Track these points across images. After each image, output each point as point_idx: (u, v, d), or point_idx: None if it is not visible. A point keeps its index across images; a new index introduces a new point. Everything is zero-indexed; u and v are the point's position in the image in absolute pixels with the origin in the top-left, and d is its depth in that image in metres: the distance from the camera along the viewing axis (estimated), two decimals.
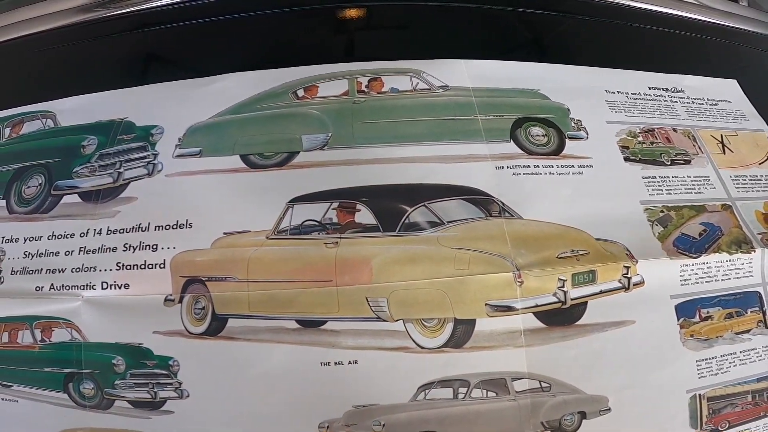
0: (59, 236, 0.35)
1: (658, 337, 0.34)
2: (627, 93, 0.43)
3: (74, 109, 0.41)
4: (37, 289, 0.33)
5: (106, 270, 0.33)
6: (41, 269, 0.34)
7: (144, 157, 0.36)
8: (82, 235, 0.34)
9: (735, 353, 0.36)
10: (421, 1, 0.50)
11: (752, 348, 0.36)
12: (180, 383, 0.31)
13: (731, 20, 0.58)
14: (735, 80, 0.49)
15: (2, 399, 0.34)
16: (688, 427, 0.35)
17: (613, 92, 0.43)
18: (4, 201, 0.38)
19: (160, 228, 0.34)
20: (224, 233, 0.33)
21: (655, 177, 0.39)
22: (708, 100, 0.46)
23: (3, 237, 0.36)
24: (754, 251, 0.37)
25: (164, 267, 0.33)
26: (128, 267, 0.33)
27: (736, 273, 0.36)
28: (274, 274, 0.33)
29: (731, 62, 0.55)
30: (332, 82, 0.39)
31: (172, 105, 0.39)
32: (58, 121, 0.41)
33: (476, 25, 0.50)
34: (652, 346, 0.34)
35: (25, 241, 0.35)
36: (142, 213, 0.34)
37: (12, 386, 0.34)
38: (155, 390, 0.31)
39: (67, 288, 0.33)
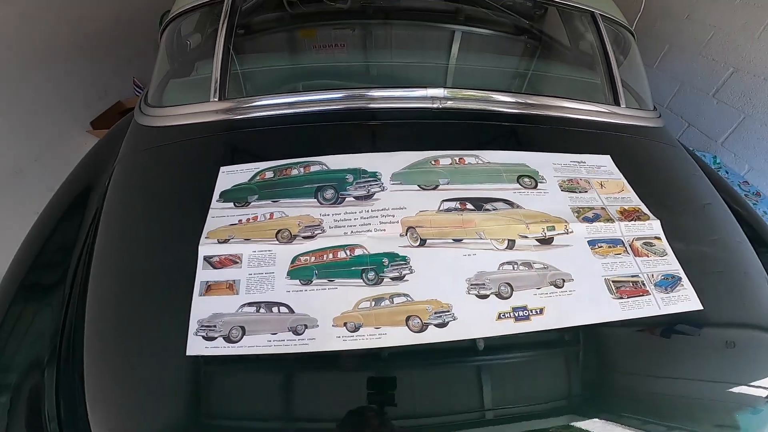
0: (348, 213, 0.84)
1: (582, 254, 0.87)
2: (560, 163, 1.02)
3: (333, 161, 0.92)
4: (344, 233, 0.81)
5: (373, 224, 0.82)
6: (344, 225, 0.82)
7: (377, 183, 0.88)
8: (359, 212, 0.84)
9: (616, 263, 0.87)
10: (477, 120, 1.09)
11: (624, 261, 0.88)
12: (411, 267, 0.79)
13: (614, 118, 1.20)
14: (608, 156, 1.08)
15: (329, 288, 0.76)
16: (608, 293, 0.81)
17: (556, 163, 1.01)
18: (314, 199, 0.86)
19: (391, 209, 0.85)
20: (419, 211, 0.85)
21: (573, 197, 0.96)
22: (595, 165, 1.06)
23: (321, 213, 0.84)
24: (614, 223, 0.92)
25: (397, 223, 0.83)
26: (383, 223, 0.82)
27: (610, 231, 0.91)
28: (440, 224, 0.84)
29: (609, 143, 1.11)
30: (445, 158, 0.95)
31: (388, 162, 0.93)
32: (327, 166, 0.92)
33: (498, 133, 1.10)
34: (582, 257, 0.86)
35: (332, 215, 0.84)
36: (383, 203, 0.85)
37: (334, 280, 0.77)
38: (402, 272, 0.79)
39: (358, 232, 0.81)
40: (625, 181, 1.00)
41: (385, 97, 1.08)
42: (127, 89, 2.88)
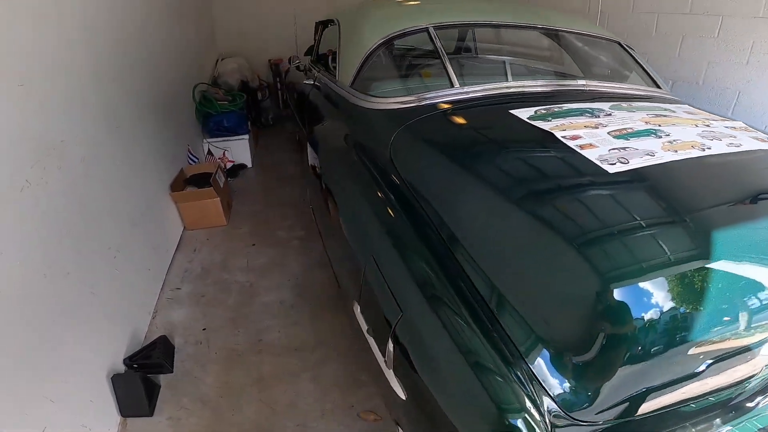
0: (605, 119, 1.34)
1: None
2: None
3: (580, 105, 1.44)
4: (614, 125, 1.31)
5: (627, 122, 1.33)
6: (608, 123, 1.32)
7: (605, 111, 1.42)
8: (613, 118, 1.35)
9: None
10: None
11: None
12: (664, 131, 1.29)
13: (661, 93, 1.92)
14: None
15: (633, 143, 1.24)
16: None
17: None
18: (582, 117, 1.35)
19: (625, 117, 1.38)
20: (640, 118, 1.39)
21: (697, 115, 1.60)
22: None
23: (593, 121, 1.32)
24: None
25: (638, 120, 1.35)
26: (631, 121, 1.34)
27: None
28: (657, 120, 1.39)
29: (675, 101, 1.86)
30: (623, 104, 1.54)
31: (594, 105, 1.48)
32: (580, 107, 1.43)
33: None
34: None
35: (600, 120, 1.33)
36: (619, 116, 1.38)
37: (629, 139, 1.25)
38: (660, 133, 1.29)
39: (622, 122, 1.32)
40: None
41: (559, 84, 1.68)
42: (183, 158, 3.06)
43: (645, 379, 0.81)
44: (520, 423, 0.72)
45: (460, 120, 1.44)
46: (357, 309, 1.11)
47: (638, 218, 0.91)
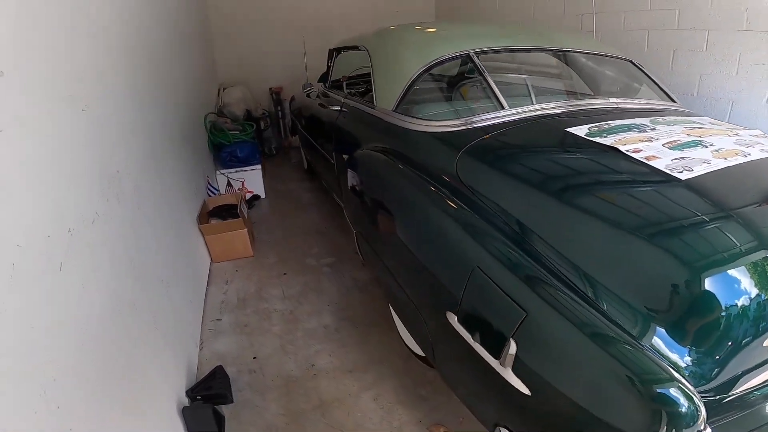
0: (654, 133, 1.46)
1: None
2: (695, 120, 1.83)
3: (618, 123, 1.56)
4: (664, 138, 1.43)
5: (674, 134, 1.46)
6: (659, 137, 1.44)
7: (649, 126, 1.55)
8: (662, 132, 1.48)
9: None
10: None
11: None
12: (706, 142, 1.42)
13: (674, 105, 2.08)
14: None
15: (686, 151, 1.35)
16: None
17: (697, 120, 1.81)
18: (632, 132, 1.46)
19: (667, 130, 1.51)
20: (681, 132, 1.52)
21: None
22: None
23: (645, 135, 1.44)
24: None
25: (681, 132, 1.48)
26: (677, 133, 1.47)
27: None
28: (695, 132, 1.52)
29: (688, 113, 2.02)
30: (659, 119, 1.68)
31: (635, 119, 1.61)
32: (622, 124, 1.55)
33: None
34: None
35: (649, 133, 1.44)
36: (663, 129, 1.51)
37: (683, 149, 1.36)
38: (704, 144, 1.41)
39: (672, 135, 1.44)
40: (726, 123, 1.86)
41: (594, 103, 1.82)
42: (203, 190, 3.06)
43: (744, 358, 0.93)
44: (673, 391, 0.74)
45: (524, 139, 1.54)
46: (454, 319, 1.16)
47: (714, 215, 1.06)
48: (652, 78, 2.21)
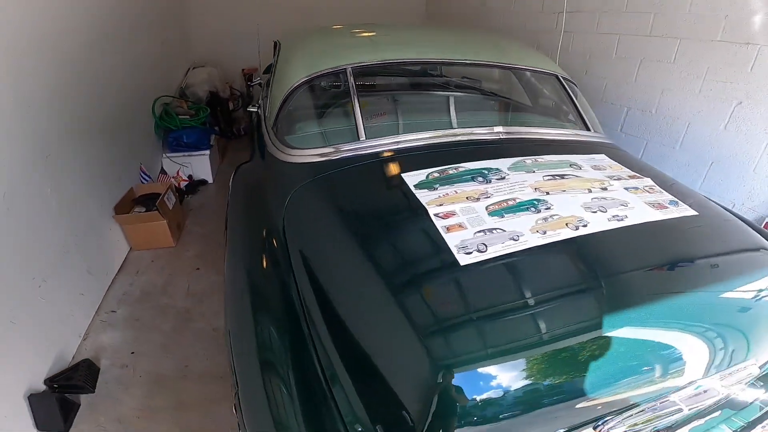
0: (498, 185, 1.33)
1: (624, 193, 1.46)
2: (582, 160, 1.65)
3: (468, 165, 1.42)
4: (502, 194, 1.29)
5: (515, 189, 1.32)
6: (499, 191, 1.30)
7: (501, 172, 1.40)
8: (503, 185, 1.34)
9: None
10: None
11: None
12: (549, 202, 1.28)
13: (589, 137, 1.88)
14: (603, 155, 1.75)
15: (513, 217, 1.23)
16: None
17: (580, 159, 1.64)
18: (473, 182, 1.33)
19: (519, 181, 1.36)
20: (535, 181, 1.38)
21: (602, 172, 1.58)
22: (599, 160, 1.71)
23: (482, 188, 1.31)
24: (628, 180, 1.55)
25: (528, 187, 1.34)
26: (520, 188, 1.33)
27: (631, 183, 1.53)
28: (549, 185, 1.37)
29: (598, 149, 1.82)
30: (530, 159, 1.52)
31: (498, 163, 1.46)
32: (467, 167, 1.41)
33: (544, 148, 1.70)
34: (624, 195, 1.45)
35: (490, 188, 1.31)
36: (512, 180, 1.37)
37: (514, 213, 1.23)
38: (548, 204, 1.28)
39: (510, 192, 1.30)
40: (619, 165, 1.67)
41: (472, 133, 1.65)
42: (134, 177, 3.06)
43: None
44: None
45: (344, 186, 1.44)
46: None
47: (470, 311, 0.97)
48: (573, 99, 2.00)
